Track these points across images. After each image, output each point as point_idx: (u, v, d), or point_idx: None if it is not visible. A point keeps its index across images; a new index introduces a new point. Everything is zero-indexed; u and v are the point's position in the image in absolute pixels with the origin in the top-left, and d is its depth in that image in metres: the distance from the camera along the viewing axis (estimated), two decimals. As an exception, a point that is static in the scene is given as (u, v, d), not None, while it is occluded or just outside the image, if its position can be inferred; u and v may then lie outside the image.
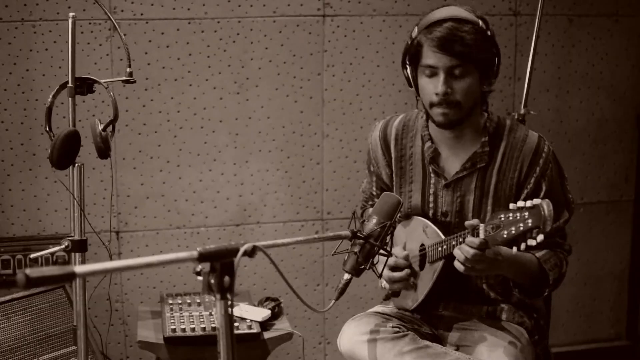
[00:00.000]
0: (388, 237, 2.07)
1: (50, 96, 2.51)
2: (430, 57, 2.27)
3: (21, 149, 3.24)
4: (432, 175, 2.45)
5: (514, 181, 2.37)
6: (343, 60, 3.45)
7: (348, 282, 2.04)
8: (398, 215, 2.15)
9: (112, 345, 3.38)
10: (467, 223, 2.17)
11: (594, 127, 3.75)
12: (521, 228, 1.97)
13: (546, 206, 1.93)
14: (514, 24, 3.56)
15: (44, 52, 3.18)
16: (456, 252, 2.18)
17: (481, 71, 2.30)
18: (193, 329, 2.86)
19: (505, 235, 2.00)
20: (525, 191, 2.36)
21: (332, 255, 2.06)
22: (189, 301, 3.12)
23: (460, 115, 2.31)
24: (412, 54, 2.33)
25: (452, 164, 2.43)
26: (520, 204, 1.99)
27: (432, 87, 2.29)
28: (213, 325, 2.88)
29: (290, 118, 3.43)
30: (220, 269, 1.54)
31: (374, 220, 2.05)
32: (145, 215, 3.36)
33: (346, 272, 2.03)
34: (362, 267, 2.02)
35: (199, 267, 1.55)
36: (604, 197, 3.83)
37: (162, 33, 3.27)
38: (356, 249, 2.02)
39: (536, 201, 1.95)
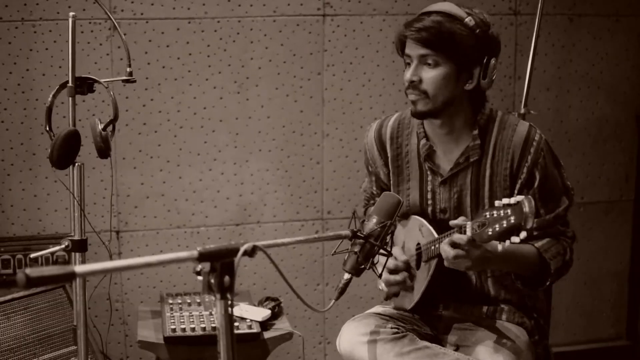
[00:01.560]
0: (388, 237, 2.08)
1: (50, 96, 2.51)
2: (407, 46, 2.32)
3: (21, 148, 3.24)
4: (428, 172, 2.45)
5: (507, 172, 2.37)
6: (343, 60, 3.45)
7: (348, 281, 2.04)
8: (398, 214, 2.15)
9: (112, 345, 3.38)
10: (452, 223, 2.17)
11: (594, 126, 3.75)
12: (504, 225, 1.97)
13: (527, 203, 1.93)
14: (514, 23, 3.56)
15: (44, 52, 3.18)
16: (441, 247, 2.18)
17: (459, 66, 2.29)
18: (193, 329, 2.86)
19: (490, 233, 2.01)
20: (519, 181, 2.36)
21: (332, 255, 2.06)
22: (189, 301, 3.12)
23: (430, 107, 2.32)
24: (399, 47, 2.38)
25: (447, 160, 2.43)
26: (505, 200, 2.00)
27: (404, 75, 2.34)
28: (213, 325, 2.88)
29: (290, 117, 3.43)
30: (220, 269, 1.54)
31: (374, 220, 2.05)
32: (145, 214, 3.36)
33: (346, 271, 2.03)
34: (362, 266, 2.02)
35: (199, 267, 1.55)
36: (604, 197, 3.83)
37: (162, 32, 3.27)
38: (356, 249, 2.02)
39: (519, 198, 1.96)
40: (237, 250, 1.56)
